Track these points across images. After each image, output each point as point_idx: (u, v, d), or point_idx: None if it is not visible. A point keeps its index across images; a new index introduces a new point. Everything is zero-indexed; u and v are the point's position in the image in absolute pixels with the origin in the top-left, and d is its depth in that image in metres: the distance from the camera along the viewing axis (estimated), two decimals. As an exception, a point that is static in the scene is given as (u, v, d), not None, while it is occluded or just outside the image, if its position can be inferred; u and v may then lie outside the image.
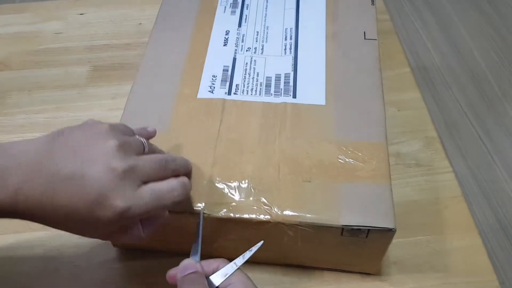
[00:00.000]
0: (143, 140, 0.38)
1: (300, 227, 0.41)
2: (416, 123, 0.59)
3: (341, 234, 0.41)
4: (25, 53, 0.70)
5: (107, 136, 0.35)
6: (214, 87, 0.51)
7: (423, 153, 0.56)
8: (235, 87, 0.51)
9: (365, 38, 0.56)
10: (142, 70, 0.54)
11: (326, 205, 0.41)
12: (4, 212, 0.33)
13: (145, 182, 0.35)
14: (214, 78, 0.52)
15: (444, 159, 0.56)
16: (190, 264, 0.37)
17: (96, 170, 0.32)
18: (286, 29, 0.58)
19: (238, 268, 0.37)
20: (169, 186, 0.36)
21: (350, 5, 0.61)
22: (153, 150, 0.39)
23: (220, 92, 0.51)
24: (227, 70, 0.53)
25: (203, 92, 0.51)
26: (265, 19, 0.60)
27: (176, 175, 0.38)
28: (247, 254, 0.38)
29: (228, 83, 0.52)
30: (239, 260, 0.37)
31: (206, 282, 0.36)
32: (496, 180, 1.26)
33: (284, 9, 0.61)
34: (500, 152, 1.32)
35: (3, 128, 0.61)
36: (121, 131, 0.37)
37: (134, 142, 0.37)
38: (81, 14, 0.76)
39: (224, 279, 0.37)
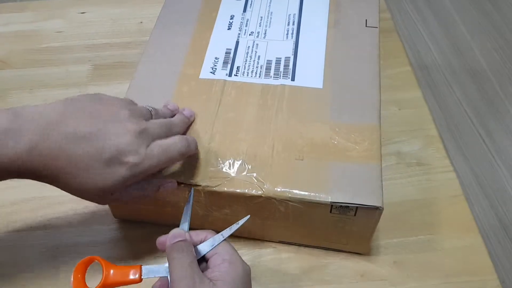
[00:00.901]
0: (149, 107, 0.43)
1: (290, 202, 0.43)
2: (417, 122, 0.59)
3: (330, 211, 0.43)
4: (26, 52, 0.70)
5: (119, 106, 0.39)
6: (215, 69, 0.53)
7: (424, 152, 0.56)
8: (236, 69, 0.53)
9: (366, 26, 0.57)
10: (148, 50, 0.56)
11: (316, 183, 0.43)
12: (18, 169, 0.35)
13: (154, 140, 0.40)
14: (216, 60, 0.54)
15: (444, 158, 0.56)
16: (179, 232, 0.39)
17: (115, 131, 0.37)
18: (289, 14, 0.60)
19: (224, 239, 0.39)
20: (173, 140, 0.41)
21: None
22: (158, 116, 0.44)
23: (221, 73, 0.53)
24: (229, 53, 0.55)
25: (205, 73, 0.53)
26: (269, 5, 0.61)
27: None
28: (234, 227, 0.39)
29: (229, 65, 0.54)
30: (226, 232, 0.39)
31: (193, 250, 0.38)
32: (497, 179, 1.26)
33: None
34: (501, 150, 1.32)
35: (4, 127, 0.61)
36: (128, 102, 0.42)
37: (142, 109, 0.42)
38: (82, 12, 0.76)
39: (211, 248, 0.39)
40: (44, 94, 0.65)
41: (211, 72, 0.53)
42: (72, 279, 0.38)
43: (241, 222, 0.40)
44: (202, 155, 0.46)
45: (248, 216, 0.40)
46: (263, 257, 0.48)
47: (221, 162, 0.45)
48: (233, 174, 0.44)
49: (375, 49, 0.54)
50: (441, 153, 0.56)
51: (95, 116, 0.37)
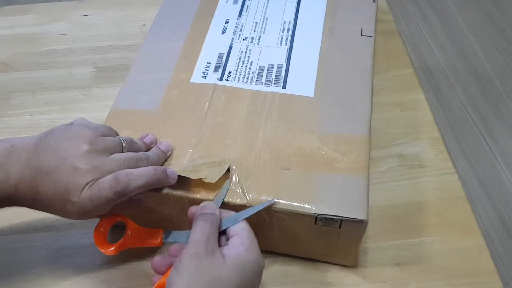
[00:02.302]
0: (123, 140, 0.43)
1: (275, 212, 0.42)
2: (419, 124, 0.59)
3: (315, 223, 0.42)
4: (30, 55, 0.71)
5: (82, 140, 0.40)
6: (207, 73, 0.53)
7: (426, 153, 0.56)
8: (227, 74, 0.53)
9: (361, 35, 0.57)
10: (142, 53, 0.56)
11: (302, 193, 0.42)
12: (10, 200, 0.39)
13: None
14: (208, 65, 0.54)
15: (447, 159, 0.56)
16: (210, 205, 0.41)
17: (64, 169, 0.38)
18: (284, 21, 0.59)
19: (247, 217, 0.40)
20: (136, 172, 0.40)
21: (351, 1, 0.61)
22: (132, 148, 0.43)
23: (212, 78, 0.52)
24: (222, 57, 0.55)
25: (196, 77, 0.53)
26: (265, 11, 0.61)
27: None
28: (258, 207, 0.41)
29: (221, 69, 0.53)
30: (251, 210, 0.40)
31: (219, 224, 0.39)
32: (500, 180, 1.26)
33: (286, 2, 0.62)
34: (504, 152, 1.31)
35: (8, 129, 0.61)
36: (101, 133, 0.42)
37: (111, 143, 0.41)
38: (85, 15, 0.77)
39: (233, 223, 0.40)
40: (47, 96, 0.65)
41: (202, 77, 0.53)
42: (94, 233, 0.41)
43: (265, 204, 0.40)
44: (185, 159, 0.45)
45: (274, 199, 0.41)
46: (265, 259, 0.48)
47: (205, 168, 0.44)
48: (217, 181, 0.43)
49: (369, 59, 0.54)
50: (443, 154, 0.56)
51: (55, 151, 0.39)
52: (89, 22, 0.76)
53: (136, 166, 0.41)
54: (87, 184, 0.38)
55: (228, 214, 0.41)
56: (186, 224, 0.42)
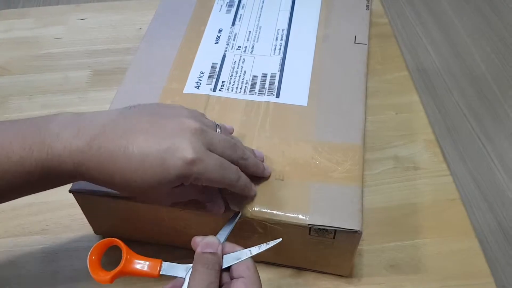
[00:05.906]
0: (216, 123, 0.41)
1: (269, 224, 0.42)
2: (414, 126, 0.60)
3: (309, 234, 0.42)
4: (26, 58, 0.71)
5: (179, 107, 0.39)
6: (200, 83, 0.53)
7: (421, 156, 0.56)
8: (220, 84, 0.53)
9: (355, 42, 0.56)
10: (134, 63, 0.56)
11: (295, 204, 0.42)
12: (76, 166, 0.35)
13: (213, 150, 0.37)
14: (201, 75, 0.54)
15: (442, 162, 0.56)
16: (212, 242, 0.37)
17: (172, 124, 0.36)
18: (278, 29, 0.59)
19: (250, 256, 0.38)
20: (236, 169, 0.39)
21: (344, 8, 0.61)
22: (226, 133, 0.42)
23: (205, 88, 0.52)
24: (215, 67, 0.55)
25: (189, 88, 0.52)
26: (258, 19, 0.61)
27: (244, 166, 0.41)
28: (263, 246, 0.39)
29: (214, 80, 0.53)
30: (254, 249, 0.38)
31: (220, 266, 0.37)
32: (496, 182, 1.26)
33: (279, 10, 0.62)
34: (500, 154, 1.32)
35: (4, 133, 0.61)
36: (192, 110, 0.41)
37: (207, 120, 0.40)
38: (81, 19, 0.77)
39: (235, 262, 0.37)
40: (43, 100, 0.65)
41: (195, 87, 0.52)
42: (88, 260, 0.38)
43: (271, 243, 0.39)
44: None
45: (280, 239, 0.39)
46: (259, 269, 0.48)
47: None
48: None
49: (363, 67, 0.54)
50: (438, 157, 0.56)
51: (154, 114, 0.37)
52: (86, 26, 0.76)
53: (233, 148, 0.39)
54: (201, 145, 0.36)
55: (234, 249, 0.38)
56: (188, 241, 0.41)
